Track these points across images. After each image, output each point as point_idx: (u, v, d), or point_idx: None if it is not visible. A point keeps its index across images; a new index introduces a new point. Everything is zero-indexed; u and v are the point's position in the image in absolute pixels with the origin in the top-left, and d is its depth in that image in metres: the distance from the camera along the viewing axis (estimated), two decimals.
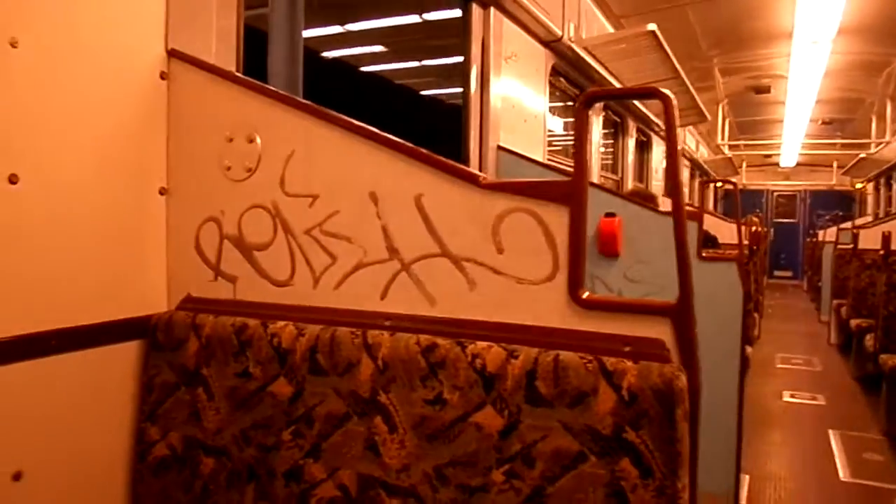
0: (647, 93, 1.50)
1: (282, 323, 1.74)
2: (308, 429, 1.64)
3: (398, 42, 9.99)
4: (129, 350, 1.92)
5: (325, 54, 10.05)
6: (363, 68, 10.92)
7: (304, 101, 1.84)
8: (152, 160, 1.98)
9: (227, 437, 1.75)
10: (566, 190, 1.50)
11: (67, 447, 1.78)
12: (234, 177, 1.91)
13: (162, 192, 2.00)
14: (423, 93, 12.42)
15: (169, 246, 2.01)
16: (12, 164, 1.65)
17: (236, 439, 1.74)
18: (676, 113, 1.41)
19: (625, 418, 1.33)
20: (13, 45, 1.63)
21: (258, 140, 1.87)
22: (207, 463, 1.77)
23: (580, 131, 1.50)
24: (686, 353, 1.40)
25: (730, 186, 5.92)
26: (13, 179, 1.64)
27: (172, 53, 2.01)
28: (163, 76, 2.00)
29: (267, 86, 1.92)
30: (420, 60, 10.66)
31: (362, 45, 9.92)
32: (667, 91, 1.41)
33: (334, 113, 1.80)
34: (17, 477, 1.66)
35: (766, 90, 11.31)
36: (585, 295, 1.48)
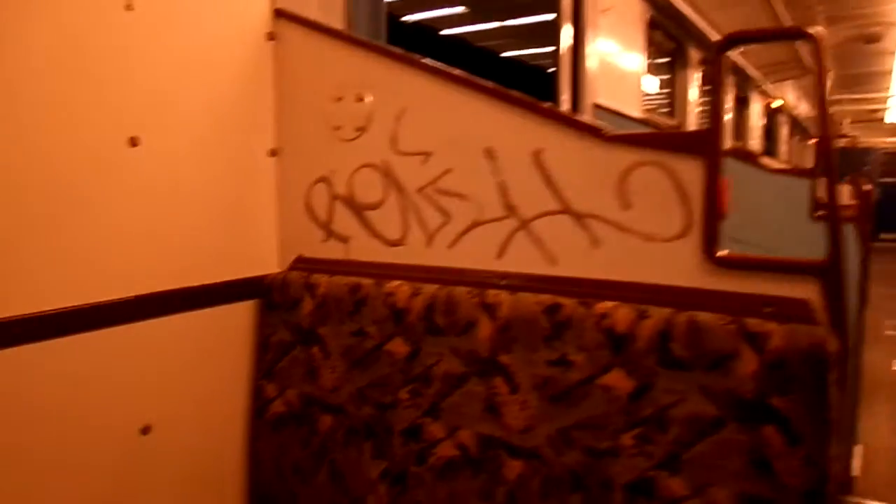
0: (793, 33, 1.38)
1: (396, 282, 1.72)
2: (426, 388, 1.63)
3: (480, 2, 9.81)
4: (244, 309, 1.96)
5: (404, 18, 9.99)
6: (443, 31, 10.80)
7: (417, 56, 1.80)
8: (262, 122, 1.99)
9: (343, 395, 1.76)
10: (701, 139, 1.40)
11: (191, 403, 1.83)
12: (343, 136, 1.89)
13: (272, 153, 2.01)
14: (503, 55, 12.20)
15: (279, 207, 2.02)
16: (133, 128, 1.68)
17: (353, 397, 1.75)
18: (825, 55, 1.29)
19: (770, 383, 1.25)
20: (129, 8, 1.65)
21: (368, 99, 1.84)
22: (325, 420, 1.79)
23: (715, 77, 1.40)
24: (836, 314, 1.30)
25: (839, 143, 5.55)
26: (134, 142, 1.67)
27: (279, 13, 2.00)
28: (270, 37, 1.99)
29: (378, 43, 1.89)
30: (502, 20, 10.44)
31: (443, 6, 9.79)
32: (817, 29, 1.28)
33: (448, 68, 1.75)
34: (145, 430, 1.73)
35: (877, 39, 10.53)
36: (723, 252, 1.39)
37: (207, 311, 1.85)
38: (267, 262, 2.01)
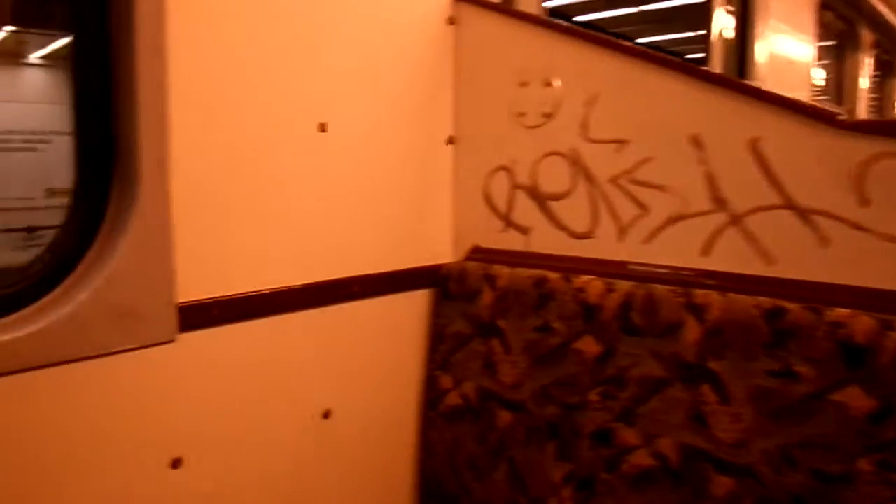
0: None
1: (587, 277, 1.63)
2: (619, 390, 1.53)
3: None
4: (418, 298, 1.93)
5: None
6: (576, 18, 10.53)
7: (611, 38, 1.69)
8: (439, 109, 1.95)
9: (525, 391, 1.70)
10: None
11: (366, 390, 1.83)
12: (528, 123, 1.82)
13: (449, 141, 1.97)
14: (639, 41, 11.76)
15: (455, 196, 1.98)
16: (322, 113, 1.68)
17: (536, 395, 1.68)
18: None
19: None
20: None
21: (556, 83, 1.76)
22: (503, 416, 1.73)
23: None
24: None
25: None
26: (323, 128, 1.67)
27: None
28: (450, 21, 1.94)
29: (567, 24, 1.80)
30: (638, 6, 10.05)
31: None
32: None
33: (646, 49, 1.63)
34: (326, 415, 1.73)
35: None
36: None
37: (383, 299, 1.84)
38: (441, 251, 1.97)
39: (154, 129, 1.39)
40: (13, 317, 1.31)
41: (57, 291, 1.36)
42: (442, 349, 1.88)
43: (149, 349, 1.43)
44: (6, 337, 1.26)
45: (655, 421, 1.48)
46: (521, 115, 1.83)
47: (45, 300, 1.35)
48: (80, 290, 1.35)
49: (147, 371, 1.44)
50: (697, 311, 1.44)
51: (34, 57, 11.37)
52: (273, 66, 1.58)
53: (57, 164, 10.96)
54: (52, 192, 10.87)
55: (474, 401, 1.80)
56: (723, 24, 3.74)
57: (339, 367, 1.76)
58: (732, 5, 3.79)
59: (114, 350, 1.38)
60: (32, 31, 10.55)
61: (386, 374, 1.87)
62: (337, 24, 1.68)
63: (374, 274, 1.80)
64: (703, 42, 3.81)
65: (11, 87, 11.28)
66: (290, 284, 1.63)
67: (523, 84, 1.82)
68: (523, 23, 1.85)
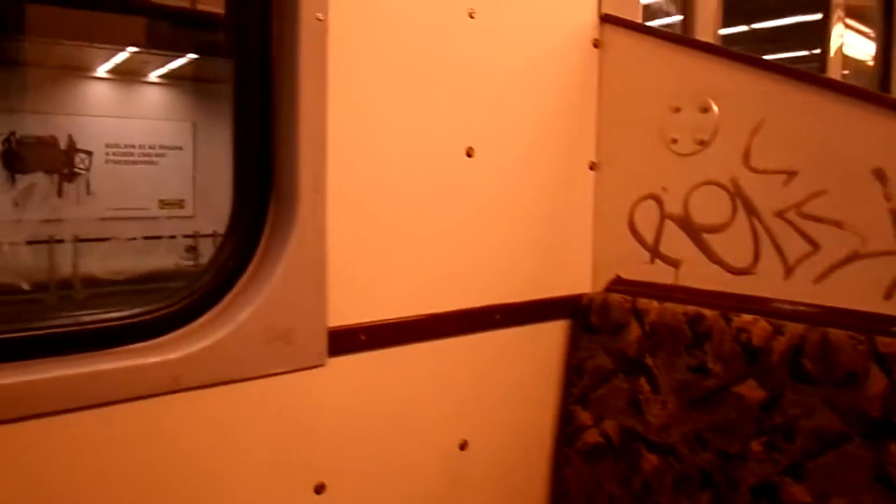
0: None
1: (749, 317, 1.52)
2: (787, 442, 1.42)
3: (727, 6, 9.16)
4: (554, 329, 1.87)
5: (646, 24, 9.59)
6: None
7: (777, 63, 1.59)
8: (582, 133, 1.89)
9: (675, 435, 1.60)
10: None
11: (501, 421, 1.77)
12: (680, 150, 1.73)
13: (591, 167, 1.90)
14: None
15: (596, 223, 1.91)
16: (470, 138, 1.65)
17: (688, 439, 1.58)
18: None
19: None
20: (471, 16, 1.63)
21: (714, 109, 1.67)
22: (650, 459, 1.64)
23: None
24: None
25: None
26: (470, 152, 1.64)
27: (606, 19, 1.88)
28: (596, 44, 1.88)
29: (727, 48, 1.71)
30: (749, 24, 9.69)
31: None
32: None
33: (821, 76, 1.52)
34: (463, 446, 1.69)
35: None
36: None
37: (521, 328, 1.78)
38: (579, 281, 1.90)
39: (313, 154, 1.40)
40: (170, 336, 1.33)
41: (213, 312, 1.38)
42: (581, 383, 1.80)
43: (296, 373, 1.43)
44: (164, 357, 1.28)
45: (830, 479, 1.36)
46: (673, 141, 1.74)
47: (201, 321, 1.37)
48: (238, 312, 1.36)
49: (294, 395, 1.44)
50: (883, 360, 1.31)
51: (153, 76, 12.07)
52: (423, 92, 1.57)
53: (170, 177, 11.58)
54: (164, 203, 11.47)
55: (616, 440, 1.72)
56: (840, 40, 3.53)
57: (477, 397, 1.72)
58: (870, 26, 3.57)
59: (267, 373, 1.39)
60: (154, 52, 11.21)
61: (521, 406, 1.81)
62: (484, 49, 1.66)
63: (515, 303, 1.75)
64: (819, 60, 3.60)
65: (132, 104, 12.00)
66: (436, 311, 1.60)
67: (675, 109, 1.74)
68: (677, 45, 1.77)
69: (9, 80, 9.92)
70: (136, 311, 1.32)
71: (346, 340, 1.47)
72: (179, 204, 11.42)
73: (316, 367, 1.44)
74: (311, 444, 1.46)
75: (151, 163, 11.32)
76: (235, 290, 1.40)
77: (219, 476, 1.37)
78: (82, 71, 11.46)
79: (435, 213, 1.60)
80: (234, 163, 1.46)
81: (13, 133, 10.56)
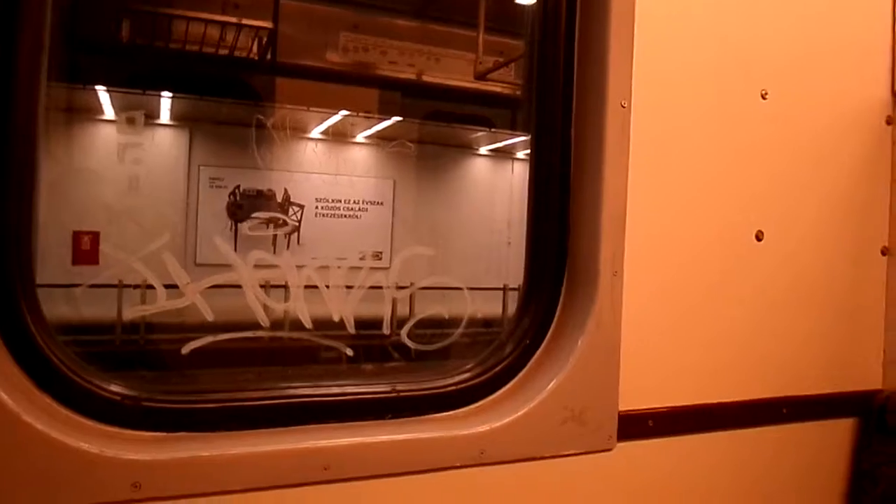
0: None
1: None
2: None
3: None
4: (843, 428, 1.72)
5: None
6: None
7: None
8: (872, 216, 1.76)
9: None
10: None
11: None
12: None
13: (884, 251, 1.76)
14: None
15: (889, 313, 1.75)
16: (759, 220, 1.59)
17: None
18: None
19: None
20: (764, 96, 1.59)
21: None
22: None
23: None
24: None
25: None
26: (759, 236, 1.59)
27: None
28: (889, 121, 1.76)
29: None
30: None
31: None
32: None
33: None
34: None
35: None
36: None
37: (804, 424, 1.67)
38: (869, 375, 1.75)
39: (613, 236, 1.42)
40: (473, 408, 1.39)
41: (512, 386, 1.42)
42: (874, 492, 1.64)
43: (586, 455, 1.43)
44: (472, 430, 1.33)
45: None
46: None
47: (500, 394, 1.41)
48: (535, 389, 1.39)
49: (583, 477, 1.43)
50: None
51: (360, 136, 13.03)
52: (714, 174, 1.55)
53: (369, 231, 12.33)
54: (364, 255, 12.21)
55: None
56: None
57: (756, 496, 1.62)
58: None
59: (560, 454, 1.40)
60: (362, 114, 12.12)
61: None
62: (774, 130, 1.61)
63: (801, 396, 1.64)
64: None
65: (340, 162, 12.99)
66: (722, 400, 1.54)
67: None
68: None
69: (243, 139, 11.14)
70: (443, 382, 1.39)
71: (635, 425, 1.45)
72: (377, 255, 12.12)
73: (606, 450, 1.43)
74: None
75: (355, 217, 12.15)
76: (531, 366, 1.43)
77: None
78: (298, 132, 12.62)
79: (724, 299, 1.56)
80: (528, 241, 1.52)
81: (238, 186, 11.80)
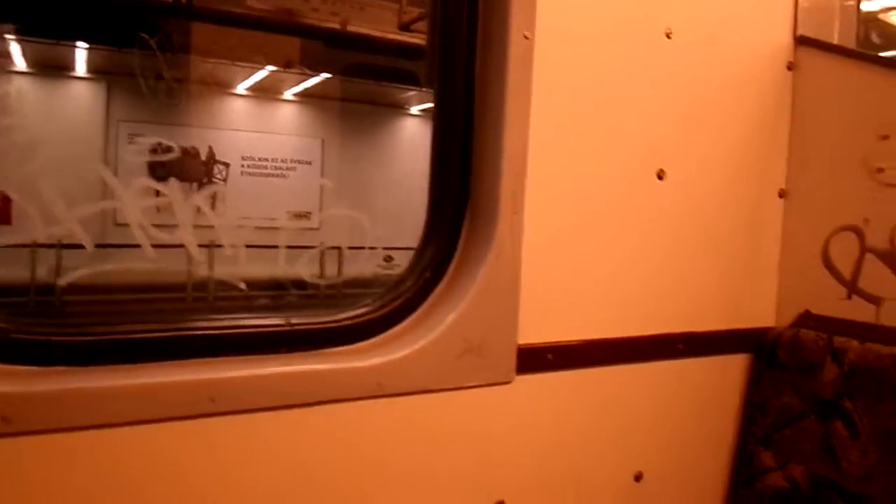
0: None
1: None
2: None
3: None
4: (735, 363, 1.78)
5: None
6: None
7: None
8: (771, 159, 1.80)
9: (877, 485, 1.48)
10: None
11: (676, 455, 1.70)
12: (888, 180, 1.62)
13: (781, 194, 1.81)
14: None
15: (784, 255, 1.81)
16: (661, 160, 1.61)
17: (892, 493, 1.46)
18: None
19: None
20: (668, 35, 1.59)
21: None
22: None
23: None
24: None
25: None
26: (660, 175, 1.60)
27: (801, 41, 1.80)
28: (790, 67, 1.80)
29: None
30: None
31: None
32: None
33: None
34: (638, 478, 1.64)
35: None
36: None
37: (700, 359, 1.71)
38: (763, 313, 1.81)
39: (515, 172, 1.40)
40: (372, 342, 1.37)
41: (410, 321, 1.40)
42: (764, 422, 1.71)
43: (484, 388, 1.43)
44: (369, 362, 1.31)
45: None
46: (879, 170, 1.63)
47: (399, 329, 1.39)
48: (435, 322, 1.38)
49: (482, 410, 1.44)
50: None
51: (288, 94, 12.69)
52: (618, 112, 1.55)
53: (298, 191, 12.11)
54: (293, 215, 12.00)
55: (804, 487, 1.61)
56: None
57: (655, 428, 1.66)
58: None
59: (459, 386, 1.39)
60: (289, 71, 11.79)
61: (698, 441, 1.74)
62: (678, 70, 1.62)
63: (698, 332, 1.69)
64: None
65: (267, 120, 12.65)
66: (620, 335, 1.57)
67: (884, 137, 1.63)
68: (884, 69, 1.66)
69: (158, 93, 10.68)
70: (341, 316, 1.36)
71: (534, 359, 1.46)
72: (306, 216, 11.94)
73: (505, 383, 1.43)
74: (493, 461, 1.46)
75: (282, 176, 11.89)
76: (431, 300, 1.42)
77: (404, 483, 1.38)
78: (224, 87, 12.19)
79: (624, 236, 1.57)
80: (432, 177, 1.50)
81: (159, 143, 11.36)
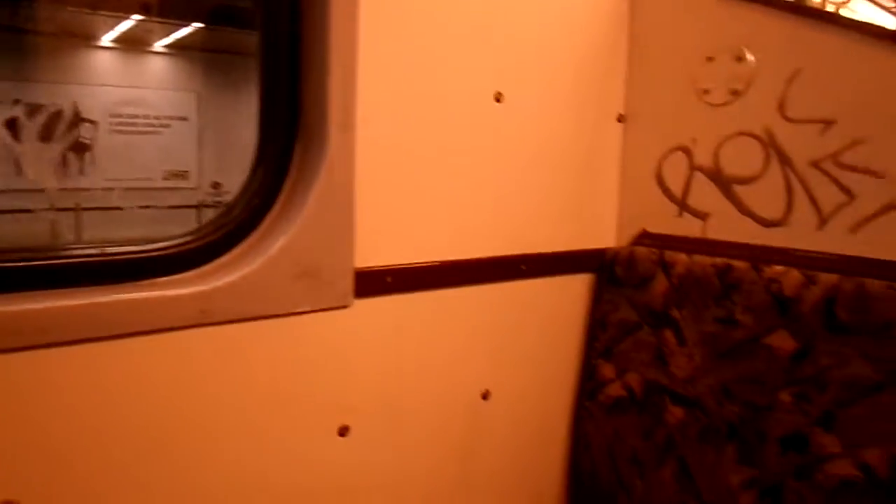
0: None
1: (780, 267, 1.50)
2: (818, 393, 1.40)
3: None
4: (579, 282, 1.84)
5: None
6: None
7: (818, 8, 1.55)
8: (611, 84, 1.85)
9: (701, 387, 1.58)
10: None
11: (522, 373, 1.76)
12: (712, 101, 1.70)
13: (619, 119, 1.87)
14: None
15: (623, 177, 1.88)
16: (499, 82, 1.62)
17: (714, 392, 1.56)
18: None
19: None
20: None
21: (750, 58, 1.63)
22: (674, 412, 1.62)
23: None
24: None
25: None
26: (498, 98, 1.61)
27: None
28: None
29: None
30: None
31: None
32: None
33: (861, 21, 1.49)
34: (485, 396, 1.68)
35: None
36: None
37: (544, 280, 1.76)
38: (604, 234, 1.87)
39: (343, 88, 1.36)
40: (199, 270, 1.31)
41: (241, 248, 1.36)
42: (604, 337, 1.79)
43: (322, 313, 1.41)
44: (192, 290, 1.26)
45: (862, 430, 1.34)
46: (705, 92, 1.71)
47: (229, 256, 1.34)
48: (266, 247, 1.34)
49: (320, 335, 1.42)
50: None
51: (158, 45, 11.95)
52: (453, 32, 1.53)
53: (175, 148, 11.52)
54: (169, 174, 11.43)
55: (640, 393, 1.70)
56: None
57: (501, 347, 1.70)
58: None
59: (294, 311, 1.37)
60: (157, 20, 11.09)
61: (544, 358, 1.80)
62: None
63: (539, 253, 1.73)
64: None
65: (136, 74, 11.88)
66: (462, 258, 1.58)
67: (709, 59, 1.70)
68: None
69: (14, 46, 9.83)
70: (164, 244, 1.29)
71: (373, 282, 1.45)
72: (183, 175, 11.40)
73: (342, 307, 1.42)
74: (335, 386, 1.45)
75: (155, 132, 11.26)
76: (263, 226, 1.37)
77: (242, 413, 1.35)
78: (86, 39, 11.34)
79: (462, 159, 1.57)
80: (260, 97, 1.43)
81: (17, 101, 10.48)
